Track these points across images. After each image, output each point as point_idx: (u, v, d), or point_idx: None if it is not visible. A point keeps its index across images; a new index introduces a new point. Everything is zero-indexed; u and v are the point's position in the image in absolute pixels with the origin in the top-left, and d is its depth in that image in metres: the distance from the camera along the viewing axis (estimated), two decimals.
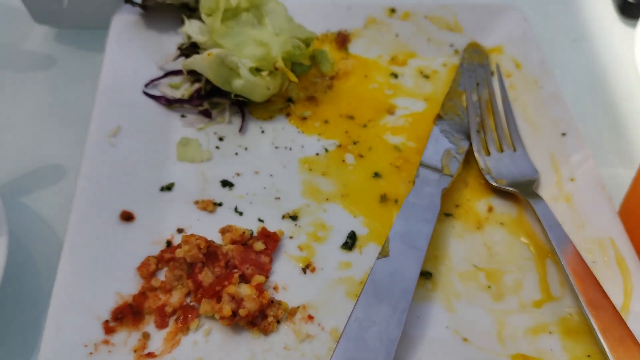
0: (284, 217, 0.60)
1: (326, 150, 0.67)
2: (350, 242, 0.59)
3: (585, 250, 0.57)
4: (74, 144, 0.66)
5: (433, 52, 0.78)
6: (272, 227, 0.59)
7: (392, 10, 0.79)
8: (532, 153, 0.66)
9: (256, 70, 0.66)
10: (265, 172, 0.64)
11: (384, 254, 0.54)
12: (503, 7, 0.78)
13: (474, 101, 0.70)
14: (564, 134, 0.66)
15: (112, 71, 0.67)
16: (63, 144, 0.69)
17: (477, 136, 0.67)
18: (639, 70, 0.73)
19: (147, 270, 0.54)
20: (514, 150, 0.66)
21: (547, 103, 0.69)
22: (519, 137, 0.67)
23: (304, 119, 0.70)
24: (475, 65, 0.75)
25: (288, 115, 0.70)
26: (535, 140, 0.67)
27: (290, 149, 0.67)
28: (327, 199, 0.62)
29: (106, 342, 0.49)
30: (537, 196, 0.60)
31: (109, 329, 0.50)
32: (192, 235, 0.55)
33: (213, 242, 0.56)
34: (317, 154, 0.66)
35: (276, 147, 0.67)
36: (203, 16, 0.67)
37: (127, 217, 0.57)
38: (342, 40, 0.77)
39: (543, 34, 0.78)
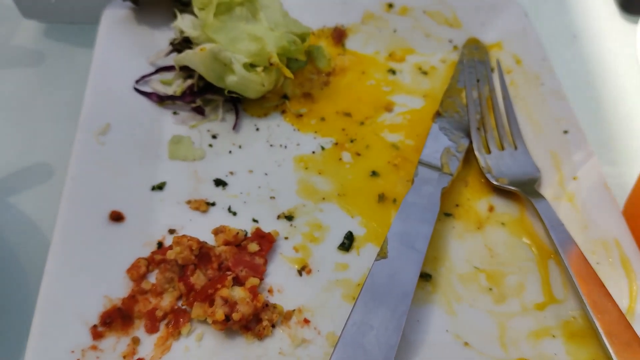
0: (279, 217, 0.59)
1: (322, 148, 0.65)
2: (347, 242, 0.57)
3: (589, 251, 0.56)
4: (63, 142, 0.64)
5: (432, 48, 0.77)
6: (266, 228, 0.57)
7: (390, 5, 0.78)
8: (533, 151, 0.64)
9: (250, 66, 0.64)
10: (260, 171, 0.62)
11: (382, 255, 0.52)
12: (503, 2, 0.77)
13: (474, 98, 0.69)
14: (565, 132, 0.64)
15: (102, 67, 0.65)
16: (52, 141, 0.67)
17: (477, 134, 0.65)
18: None
19: (137, 272, 0.52)
20: (515, 148, 0.64)
21: (548, 100, 0.67)
22: (520, 134, 0.65)
23: (300, 116, 0.68)
24: (475, 61, 0.73)
25: (283, 112, 0.68)
26: (536, 138, 0.66)
27: (286, 147, 0.65)
28: (324, 199, 0.60)
29: (94, 347, 0.47)
30: (539, 195, 0.59)
31: (97, 334, 0.48)
32: (184, 236, 0.53)
33: (206, 243, 0.54)
34: (313, 152, 0.64)
35: (271, 145, 0.65)
36: (196, 10, 0.65)
37: (116, 217, 0.55)
38: (338, 35, 0.76)
39: (543, 29, 0.76)
